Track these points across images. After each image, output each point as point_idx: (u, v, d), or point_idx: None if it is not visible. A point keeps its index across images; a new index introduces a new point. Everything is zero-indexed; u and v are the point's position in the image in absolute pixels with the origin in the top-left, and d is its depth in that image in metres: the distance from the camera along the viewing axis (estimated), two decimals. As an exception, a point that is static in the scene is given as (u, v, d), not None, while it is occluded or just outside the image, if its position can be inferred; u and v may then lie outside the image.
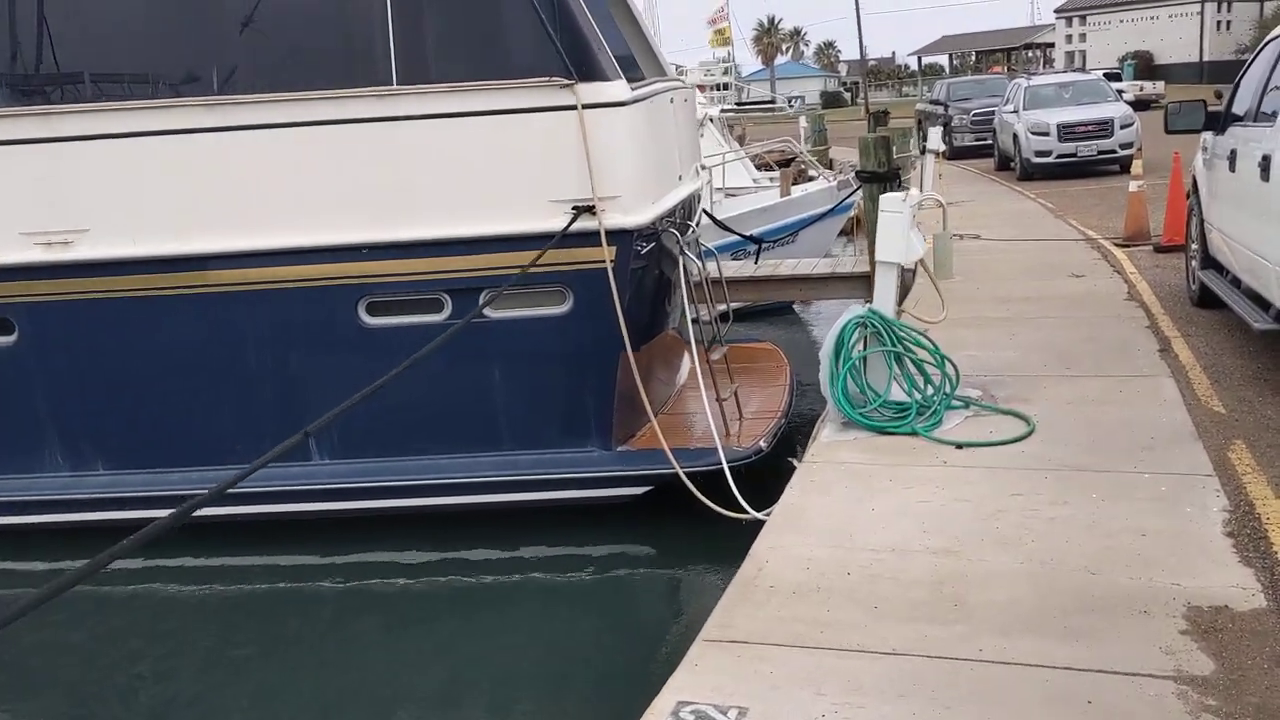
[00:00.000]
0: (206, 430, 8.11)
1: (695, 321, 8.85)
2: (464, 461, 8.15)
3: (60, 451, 8.27)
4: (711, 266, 9.40)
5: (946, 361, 6.45)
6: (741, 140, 35.69)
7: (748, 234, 12.16)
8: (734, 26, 42.79)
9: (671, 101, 8.81)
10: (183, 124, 7.63)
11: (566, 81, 7.57)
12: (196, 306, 7.85)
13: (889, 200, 6.31)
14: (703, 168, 9.68)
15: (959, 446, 5.80)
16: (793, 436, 9.26)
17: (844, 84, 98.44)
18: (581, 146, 7.57)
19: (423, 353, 5.84)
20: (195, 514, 7.98)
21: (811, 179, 21.30)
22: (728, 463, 7.77)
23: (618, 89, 7.71)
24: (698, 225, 9.77)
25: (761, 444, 8.28)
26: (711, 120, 25.62)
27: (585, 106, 7.58)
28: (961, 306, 9.45)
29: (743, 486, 7.59)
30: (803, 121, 38.31)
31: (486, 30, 7.95)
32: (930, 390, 6.32)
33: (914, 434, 6.00)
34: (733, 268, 12.76)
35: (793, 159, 22.01)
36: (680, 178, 8.91)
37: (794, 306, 15.90)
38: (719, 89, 33.62)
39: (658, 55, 10.31)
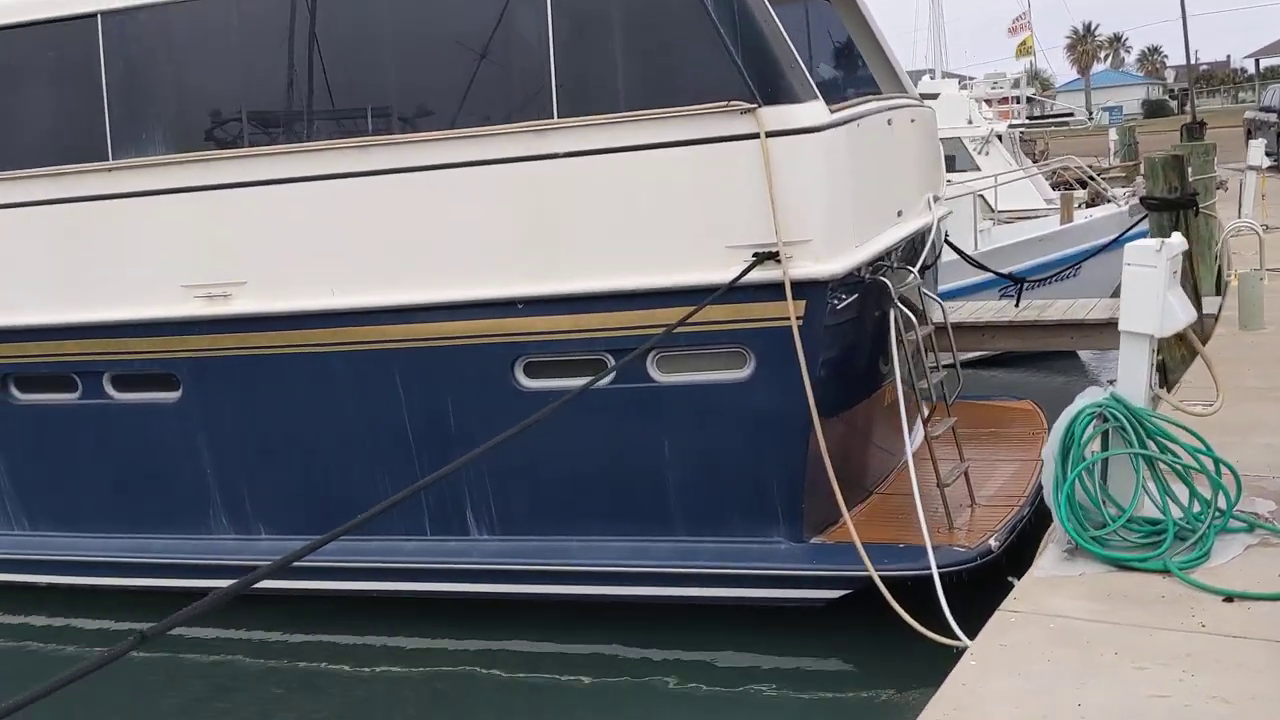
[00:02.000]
0: (361, 497, 7.45)
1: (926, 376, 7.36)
2: (632, 546, 7.08)
3: (225, 514, 7.88)
4: (936, 313, 7.91)
5: (1221, 466, 4.73)
6: (1041, 156, 32.88)
7: (1005, 271, 10.41)
8: (1035, 35, 39.64)
9: (889, 123, 7.39)
10: (333, 168, 7.03)
11: (748, 105, 6.39)
12: (347, 365, 7.22)
13: (1138, 250, 4.70)
14: (937, 198, 8.15)
15: (1228, 599, 4.13)
16: (1043, 527, 7.55)
17: (1170, 92, 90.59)
18: (765, 181, 6.36)
19: (514, 430, 4.87)
20: (351, 587, 7.54)
21: (1110, 201, 18.84)
22: (940, 568, 6.29)
23: (810, 112, 6.44)
24: (928, 266, 8.27)
25: (991, 543, 6.70)
26: (999, 137, 23.49)
27: (770, 134, 6.37)
28: (1266, 370, 7.43)
29: (964, 596, 6.10)
30: (1112, 134, 35.01)
31: (659, 52, 6.88)
32: (1196, 506, 4.64)
33: (1165, 571, 4.37)
34: (991, 310, 11.05)
35: (1089, 180, 19.54)
36: (900, 213, 7.47)
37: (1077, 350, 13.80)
38: (1016, 101, 30.98)
39: (896, 69, 8.91)
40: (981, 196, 20.75)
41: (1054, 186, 23.90)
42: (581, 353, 6.85)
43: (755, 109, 6.38)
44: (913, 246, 7.74)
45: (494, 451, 7.06)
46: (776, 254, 6.38)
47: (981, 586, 6.24)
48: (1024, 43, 42.50)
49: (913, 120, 7.94)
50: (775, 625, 6.99)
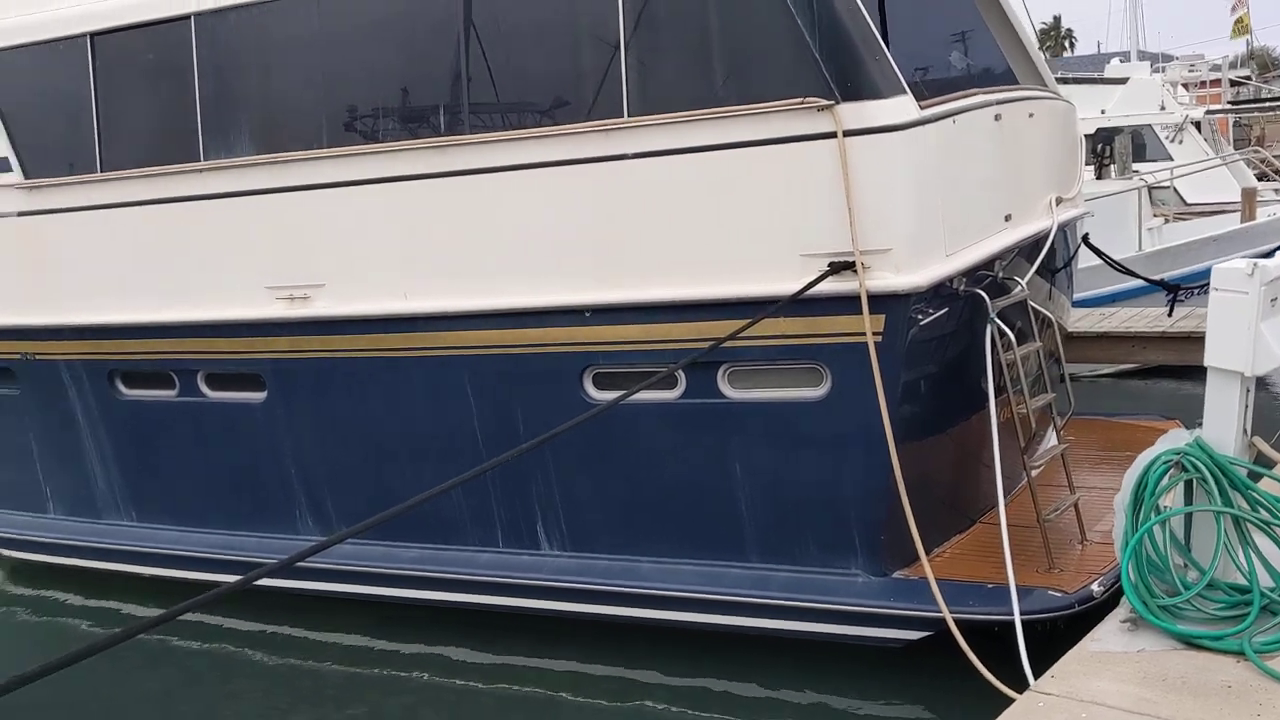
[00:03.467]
0: (434, 506, 7.32)
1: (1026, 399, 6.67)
2: (704, 570, 6.69)
3: (310, 515, 7.90)
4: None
5: (1331, 529, 3.99)
6: (1259, 142, 30.28)
7: (1157, 278, 9.43)
8: (1250, 12, 36.59)
9: (997, 119, 6.71)
10: (403, 170, 6.90)
11: (825, 102, 5.89)
12: (421, 370, 7.10)
13: (1226, 274, 3.99)
14: (1062, 200, 7.39)
15: (1310, 697, 3.44)
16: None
17: None
18: (841, 184, 5.86)
19: (523, 448, 4.60)
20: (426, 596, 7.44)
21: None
22: (1026, 614, 5.65)
23: (894, 108, 5.90)
24: (1056, 272, 7.54)
25: (1094, 588, 5.96)
26: (1197, 125, 21.73)
27: (847, 133, 5.86)
28: None
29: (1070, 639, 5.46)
30: (1340, 119, 32.10)
31: (734, 46, 6.42)
32: (1294, 575, 3.93)
33: (1241, 654, 3.70)
34: (1144, 320, 10.09)
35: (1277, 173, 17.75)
36: (1009, 217, 6.79)
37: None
38: (1217, 85, 28.62)
39: (1034, 59, 8.19)
40: (1173, 188, 19.22)
41: (1260, 178, 21.92)
42: (651, 365, 6.50)
43: (832, 106, 5.88)
44: (1034, 253, 7.04)
45: (562, 466, 6.91)
46: (853, 264, 5.88)
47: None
48: (1240, 20, 39.37)
49: (1031, 115, 7.20)
50: (852, 663, 6.48)
